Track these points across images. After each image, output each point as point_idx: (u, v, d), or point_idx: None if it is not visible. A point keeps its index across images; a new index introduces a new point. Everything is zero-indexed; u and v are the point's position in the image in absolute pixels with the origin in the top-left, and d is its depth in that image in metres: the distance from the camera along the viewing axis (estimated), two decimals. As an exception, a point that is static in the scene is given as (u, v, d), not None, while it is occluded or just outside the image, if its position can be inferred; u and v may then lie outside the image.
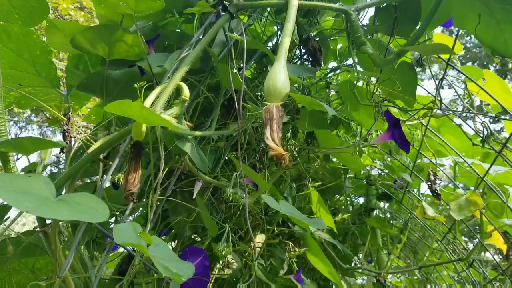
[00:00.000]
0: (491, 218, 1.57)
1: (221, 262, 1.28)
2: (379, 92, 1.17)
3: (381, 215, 2.17)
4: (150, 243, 0.71)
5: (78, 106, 1.28)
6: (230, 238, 0.93)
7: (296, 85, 1.39)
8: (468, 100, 1.37)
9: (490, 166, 1.37)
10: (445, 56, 1.28)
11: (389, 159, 2.05)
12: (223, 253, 0.91)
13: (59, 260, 0.81)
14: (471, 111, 1.13)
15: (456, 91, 1.26)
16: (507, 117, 1.22)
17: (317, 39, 1.34)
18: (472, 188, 1.51)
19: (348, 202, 2.18)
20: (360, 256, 2.24)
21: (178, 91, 0.86)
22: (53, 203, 0.60)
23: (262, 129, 0.86)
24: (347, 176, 1.88)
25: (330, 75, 1.50)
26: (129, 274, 0.78)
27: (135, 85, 0.77)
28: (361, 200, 2.25)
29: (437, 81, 1.22)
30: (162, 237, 1.40)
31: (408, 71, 1.06)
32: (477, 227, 1.56)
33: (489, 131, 1.05)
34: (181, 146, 0.89)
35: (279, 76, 0.76)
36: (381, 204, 2.16)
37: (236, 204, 1.14)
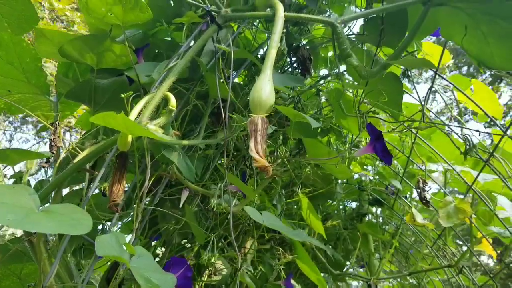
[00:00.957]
0: (480, 225, 1.58)
1: (209, 269, 1.28)
2: (367, 101, 1.17)
3: (373, 220, 2.18)
4: (133, 253, 0.71)
5: (69, 112, 1.28)
6: (216, 246, 0.94)
7: (287, 93, 1.39)
8: (457, 108, 1.38)
9: (478, 175, 1.38)
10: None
11: (380, 165, 2.06)
12: (209, 262, 0.92)
13: (44, 269, 0.81)
14: (457, 123, 1.13)
15: (444, 101, 1.27)
16: (495, 127, 1.23)
17: (308, 47, 1.34)
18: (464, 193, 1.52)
19: (341, 207, 2.18)
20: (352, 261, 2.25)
21: (166, 100, 0.86)
22: (36, 215, 0.61)
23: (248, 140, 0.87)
24: (339, 182, 1.89)
25: (321, 82, 1.51)
26: (113, 285, 0.79)
27: (122, 95, 0.77)
28: (353, 205, 2.26)
29: (428, 89, 1.22)
30: (153, 243, 1.41)
31: (394, 82, 1.06)
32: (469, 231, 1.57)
33: (472, 143, 1.05)
34: (168, 156, 0.89)
35: (265, 88, 0.76)
36: (373, 209, 2.16)
37: (224, 212, 1.15)
